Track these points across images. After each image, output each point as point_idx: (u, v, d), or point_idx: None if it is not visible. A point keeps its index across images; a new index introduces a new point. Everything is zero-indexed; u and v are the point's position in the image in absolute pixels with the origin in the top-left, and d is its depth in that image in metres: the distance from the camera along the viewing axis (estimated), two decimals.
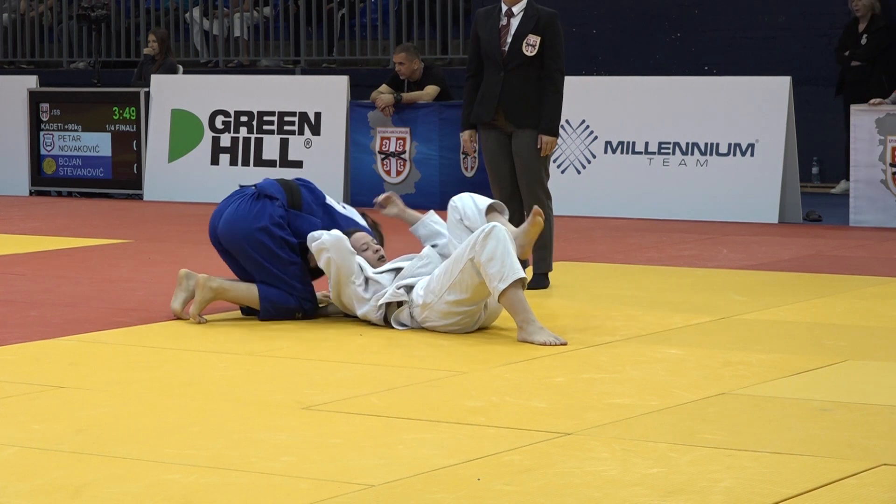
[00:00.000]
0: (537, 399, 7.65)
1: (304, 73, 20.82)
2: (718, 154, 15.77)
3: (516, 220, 10.07)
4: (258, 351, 8.88)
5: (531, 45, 10.93)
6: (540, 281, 11.10)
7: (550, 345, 8.77)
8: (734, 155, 15.71)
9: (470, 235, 9.04)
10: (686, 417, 7.23)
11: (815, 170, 17.95)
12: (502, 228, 8.93)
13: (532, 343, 8.83)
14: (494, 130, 11.12)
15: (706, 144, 15.77)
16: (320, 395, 7.65)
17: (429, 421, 7.13)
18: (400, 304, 9.28)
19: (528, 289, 9.78)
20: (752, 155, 15.64)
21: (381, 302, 9.30)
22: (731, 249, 13.48)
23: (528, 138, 10.95)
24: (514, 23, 11.02)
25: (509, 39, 11.02)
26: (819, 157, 17.74)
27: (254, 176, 17.57)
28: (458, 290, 9.01)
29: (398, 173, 17.10)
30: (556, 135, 11.08)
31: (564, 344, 8.81)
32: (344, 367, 8.38)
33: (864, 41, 16.18)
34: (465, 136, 11.44)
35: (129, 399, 7.65)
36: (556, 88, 11.02)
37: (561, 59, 10.97)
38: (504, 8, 11.04)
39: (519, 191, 11.07)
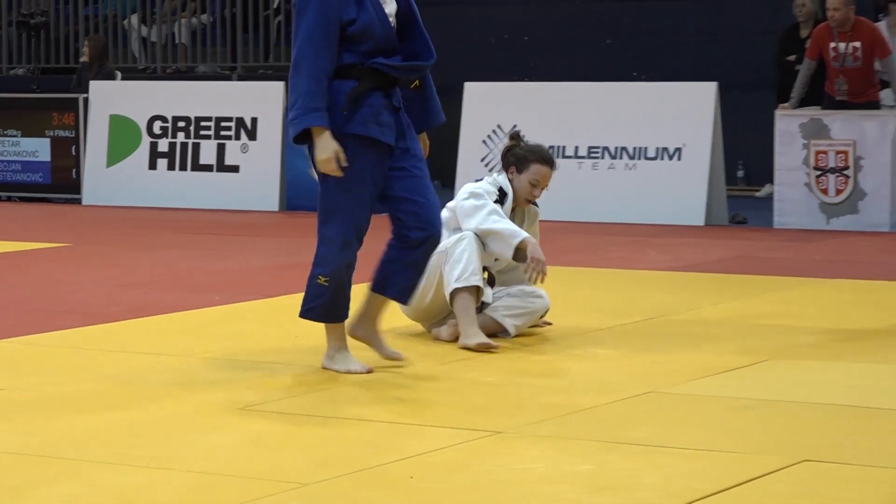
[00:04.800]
0: (469, 398, 7.67)
1: (240, 79, 20.77)
2: (646, 158, 15.83)
3: None
4: (196, 353, 8.85)
5: None
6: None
7: (483, 349, 8.79)
8: (662, 159, 15.78)
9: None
10: (614, 416, 7.26)
11: (740, 173, 18.05)
12: (474, 238, 8.92)
13: (468, 347, 8.83)
14: None
15: (634, 149, 15.81)
16: (255, 396, 7.64)
17: (361, 420, 7.14)
18: None
19: None
20: (679, 159, 15.71)
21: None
22: (658, 252, 13.53)
23: None
24: None
25: None
26: (745, 160, 17.84)
27: (191, 180, 17.59)
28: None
29: None
30: None
31: (496, 348, 8.84)
32: (280, 369, 8.37)
33: (807, 46, 16.19)
34: None
35: (67, 400, 7.61)
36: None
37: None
38: None
39: None
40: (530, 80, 18.55)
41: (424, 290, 8.83)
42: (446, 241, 8.82)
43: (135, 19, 22.52)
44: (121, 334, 9.51)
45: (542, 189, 9.21)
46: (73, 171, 18.37)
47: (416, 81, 8.03)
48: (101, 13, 22.84)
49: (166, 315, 10.15)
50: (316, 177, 7.92)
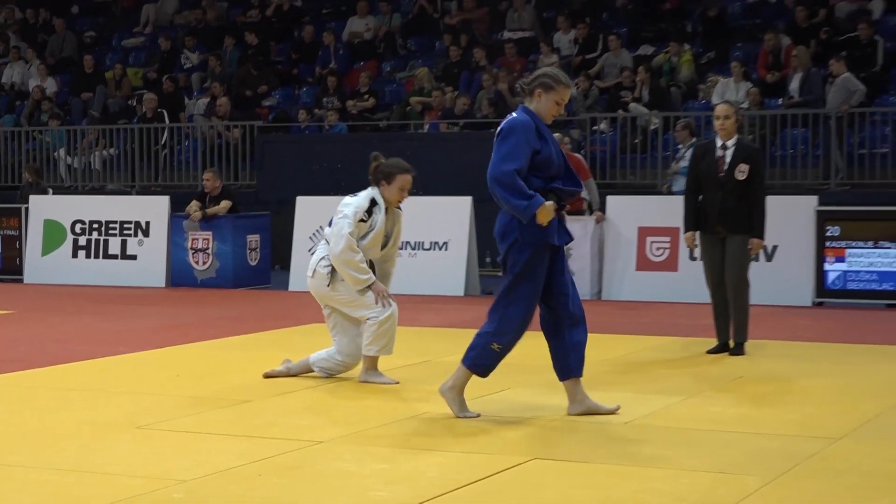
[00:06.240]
0: (302, 418, 7.63)
1: (138, 193, 20.54)
2: (423, 249, 15.90)
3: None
4: (106, 388, 8.70)
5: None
6: (738, 349, 10.15)
7: (387, 384, 8.74)
8: (434, 250, 15.86)
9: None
10: (405, 429, 7.25)
11: (488, 259, 18.18)
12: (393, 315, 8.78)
13: (370, 382, 8.76)
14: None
15: (416, 242, 15.88)
16: (149, 418, 7.53)
17: (227, 435, 7.06)
18: None
19: (732, 354, 9.85)
20: (446, 249, 15.81)
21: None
22: (432, 314, 13.58)
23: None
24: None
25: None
26: (491, 251, 17.97)
27: (102, 265, 17.35)
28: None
29: (204, 263, 16.94)
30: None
31: (397, 383, 8.77)
32: (167, 399, 8.25)
33: None
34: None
35: (8, 422, 7.45)
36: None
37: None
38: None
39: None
40: (343, 194, 18.51)
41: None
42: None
43: (62, 151, 22.19)
44: (51, 376, 9.30)
45: (407, 192, 8.88)
46: (17, 259, 18.08)
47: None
48: (37, 147, 22.48)
49: (85, 362, 9.96)
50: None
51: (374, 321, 8.74)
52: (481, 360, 7.50)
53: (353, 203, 8.76)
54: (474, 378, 8.25)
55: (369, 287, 8.71)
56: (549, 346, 7.59)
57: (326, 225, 8.97)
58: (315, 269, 8.81)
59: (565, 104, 7.53)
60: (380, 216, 8.74)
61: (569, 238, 7.50)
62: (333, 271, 8.74)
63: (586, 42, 20.84)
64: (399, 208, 9.00)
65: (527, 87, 7.42)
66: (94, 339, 11.57)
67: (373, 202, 8.76)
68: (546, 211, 7.17)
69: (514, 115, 7.38)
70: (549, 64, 20.40)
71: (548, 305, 7.50)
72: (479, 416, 7.54)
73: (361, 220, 8.71)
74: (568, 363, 7.51)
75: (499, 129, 7.36)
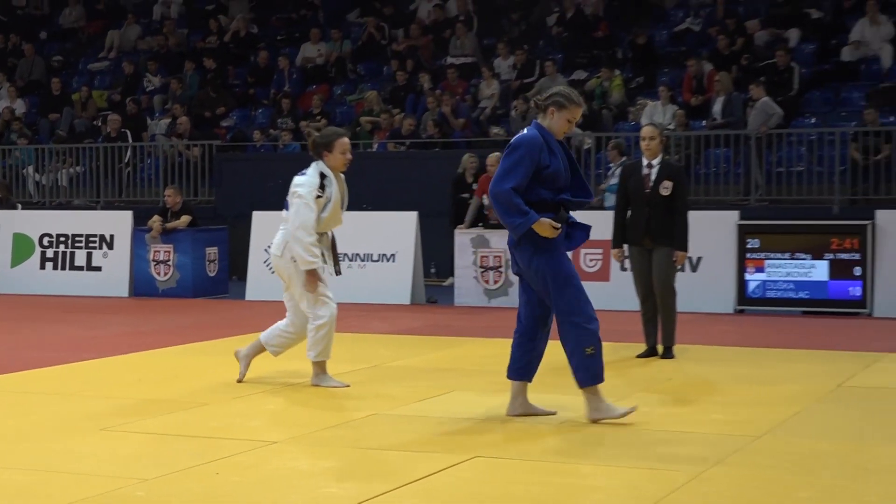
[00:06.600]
0: (257, 420, 7.57)
1: (103, 209, 20.33)
2: (372, 260, 15.86)
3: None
4: (73, 392, 8.59)
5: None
6: (667, 353, 10.19)
7: (337, 387, 8.65)
8: (382, 261, 15.81)
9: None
10: (349, 430, 7.21)
11: (433, 270, 18.17)
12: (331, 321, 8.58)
13: (321, 386, 8.66)
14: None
15: (365, 254, 15.84)
16: (112, 421, 7.43)
17: (186, 436, 6.99)
18: None
19: (661, 357, 9.92)
20: (393, 261, 15.77)
21: None
22: (380, 322, 13.55)
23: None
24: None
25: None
26: (435, 261, 17.96)
27: (69, 277, 17.17)
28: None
29: (165, 274, 16.81)
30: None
31: (348, 386, 8.67)
32: (129, 403, 8.15)
33: (473, 187, 16.28)
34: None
35: None
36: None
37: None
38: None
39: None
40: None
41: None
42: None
43: (31, 169, 21.96)
44: (18, 381, 9.17)
45: (350, 154, 8.61)
46: None
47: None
48: (7, 165, 22.23)
49: (52, 367, 9.84)
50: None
51: (311, 327, 8.61)
52: (592, 370, 7.21)
53: (306, 182, 8.50)
54: (420, 382, 8.25)
55: (313, 273, 8.45)
56: (518, 344, 7.45)
57: (284, 208, 8.74)
58: (283, 251, 8.63)
59: (576, 122, 7.46)
60: (333, 187, 8.54)
61: (579, 242, 7.36)
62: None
63: (524, 67, 20.89)
64: (343, 174, 8.74)
65: (541, 103, 7.32)
66: (61, 346, 11.43)
67: (322, 176, 8.53)
68: (543, 226, 7.08)
69: (524, 130, 7.26)
70: (490, 88, 20.48)
71: (533, 310, 7.40)
72: (633, 409, 7.32)
73: (318, 197, 8.49)
74: (532, 367, 7.45)
75: (509, 143, 7.22)
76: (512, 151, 7.14)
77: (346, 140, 8.62)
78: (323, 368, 8.75)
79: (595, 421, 7.26)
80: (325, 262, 8.61)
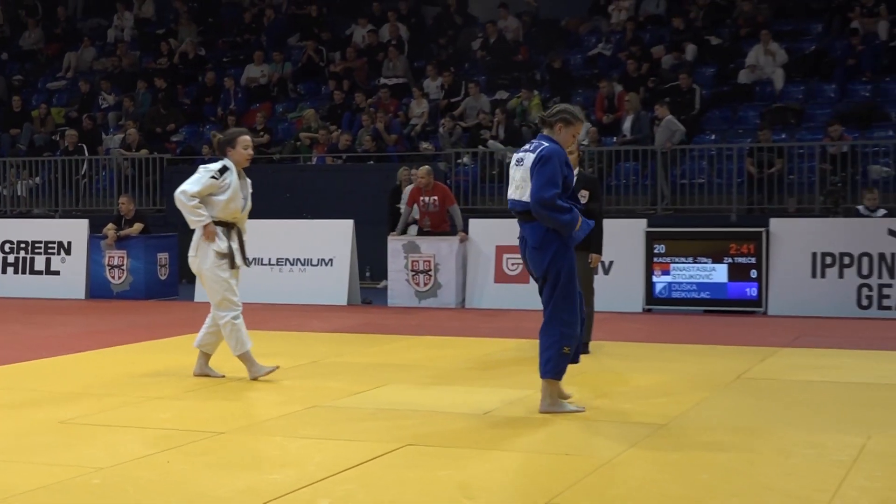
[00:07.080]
0: (205, 412, 7.51)
1: (61, 217, 20.07)
2: (311, 265, 15.80)
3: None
4: (31, 388, 8.47)
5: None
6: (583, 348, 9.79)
7: (268, 372, 8.68)
8: (321, 266, 15.75)
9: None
10: (295, 420, 7.18)
11: (368, 273, 18.13)
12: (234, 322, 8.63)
13: (259, 377, 8.65)
14: None
15: (305, 259, 15.78)
16: (70, 414, 7.35)
17: (139, 428, 6.94)
18: None
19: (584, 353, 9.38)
20: (331, 266, 15.71)
21: None
22: (319, 321, 13.50)
23: None
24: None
25: None
26: (371, 265, 17.93)
27: (29, 280, 16.94)
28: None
29: (119, 277, 16.65)
30: None
31: (275, 369, 8.71)
32: (87, 399, 8.06)
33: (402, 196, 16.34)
34: None
35: None
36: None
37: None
38: None
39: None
40: (252, 219, 18.31)
41: None
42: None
43: None
44: None
45: (251, 149, 8.70)
46: None
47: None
48: None
49: (11, 365, 9.70)
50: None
51: (220, 325, 8.73)
52: (560, 367, 7.21)
53: (207, 167, 8.68)
54: (355, 376, 8.23)
55: (204, 228, 8.58)
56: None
57: None
58: (197, 251, 8.74)
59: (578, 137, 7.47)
60: (232, 177, 8.61)
61: (578, 240, 7.29)
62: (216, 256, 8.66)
63: (451, 88, 20.95)
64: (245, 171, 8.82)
65: (548, 119, 7.30)
66: (21, 344, 11.28)
67: (224, 167, 8.62)
68: (580, 222, 7.12)
69: (545, 144, 7.15)
70: (420, 107, 20.50)
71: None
72: (583, 410, 7.32)
73: (213, 178, 8.54)
74: (576, 352, 7.38)
75: (538, 154, 7.07)
76: (546, 162, 7.04)
77: (247, 137, 8.80)
78: (248, 359, 8.73)
79: (546, 413, 7.24)
80: (232, 254, 8.67)
